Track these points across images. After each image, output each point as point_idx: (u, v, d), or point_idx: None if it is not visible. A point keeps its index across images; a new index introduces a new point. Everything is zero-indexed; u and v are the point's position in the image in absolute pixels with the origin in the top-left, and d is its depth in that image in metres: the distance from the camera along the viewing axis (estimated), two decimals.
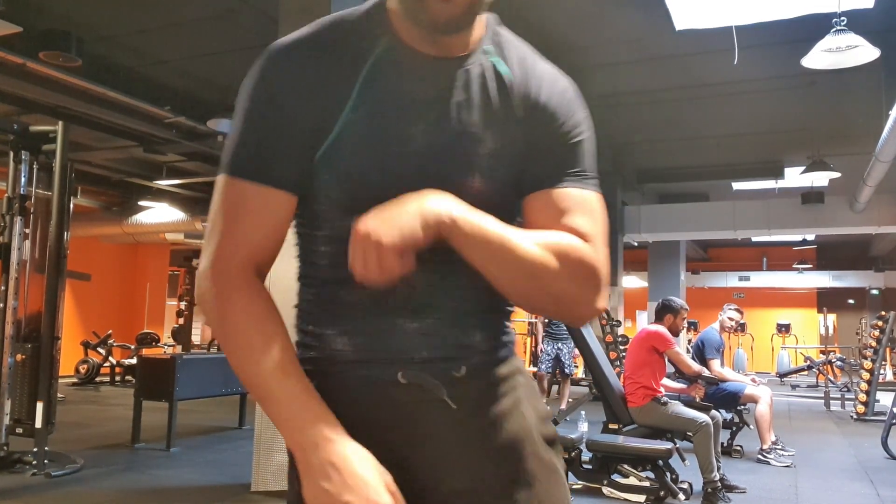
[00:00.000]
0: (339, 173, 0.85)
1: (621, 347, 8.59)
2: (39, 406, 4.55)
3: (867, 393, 8.31)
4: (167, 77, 7.30)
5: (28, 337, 4.74)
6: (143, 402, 5.58)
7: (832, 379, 11.12)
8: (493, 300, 0.90)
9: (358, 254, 0.77)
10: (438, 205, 0.79)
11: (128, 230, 12.99)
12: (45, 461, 4.52)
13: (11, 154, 4.75)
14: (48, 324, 4.66)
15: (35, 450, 4.52)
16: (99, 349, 10.74)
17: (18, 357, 4.70)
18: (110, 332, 10.81)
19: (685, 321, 4.97)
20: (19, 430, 4.65)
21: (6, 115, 8.30)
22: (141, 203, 12.25)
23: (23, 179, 4.70)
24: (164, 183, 11.17)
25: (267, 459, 4.24)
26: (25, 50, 5.49)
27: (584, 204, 0.88)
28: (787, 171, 10.36)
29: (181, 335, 11.97)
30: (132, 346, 10.80)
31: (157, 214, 12.18)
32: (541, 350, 8.67)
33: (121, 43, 6.42)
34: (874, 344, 8.40)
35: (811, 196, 10.85)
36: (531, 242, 0.81)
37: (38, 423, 4.54)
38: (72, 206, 4.96)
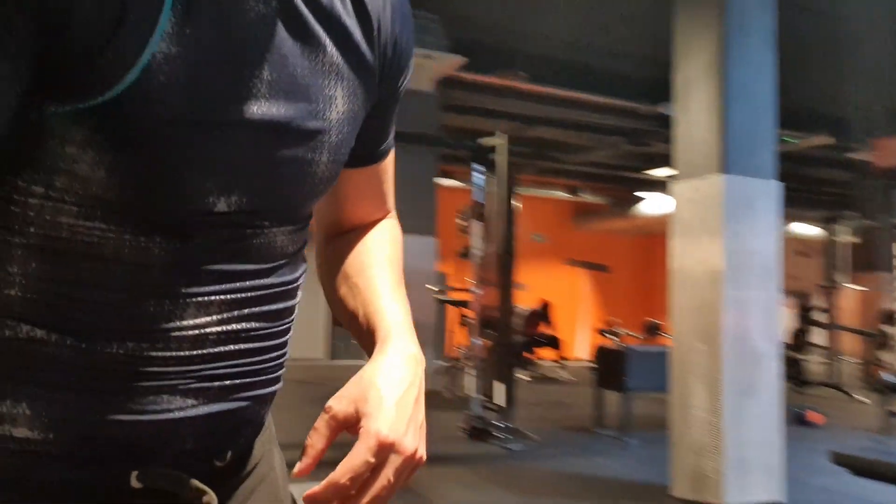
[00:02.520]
0: (121, 138, 0.53)
1: None
2: (500, 386, 5.19)
3: None
4: (614, 67, 7.44)
5: (490, 324, 5.46)
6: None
7: None
8: (279, 336, 0.68)
9: (366, 469, 0.56)
10: (421, 360, 0.66)
11: (634, 223, 13.63)
12: (507, 436, 5.13)
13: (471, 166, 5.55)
14: (503, 313, 5.27)
15: (497, 424, 5.18)
16: (610, 336, 11.54)
17: (483, 342, 5.45)
18: (618, 321, 11.51)
19: None
20: (489, 406, 5.39)
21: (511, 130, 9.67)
22: (637, 194, 12.73)
23: (477, 188, 5.44)
24: (656, 173, 11.40)
25: (681, 463, 3.96)
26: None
27: (390, 170, 0.81)
28: None
29: None
30: (638, 335, 11.28)
31: (658, 205, 12.49)
32: None
33: (556, 42, 6.81)
34: None
35: None
36: (396, 282, 0.74)
37: (500, 402, 5.19)
38: (514, 207, 5.46)
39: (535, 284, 13.35)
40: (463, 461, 4.70)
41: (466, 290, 5.97)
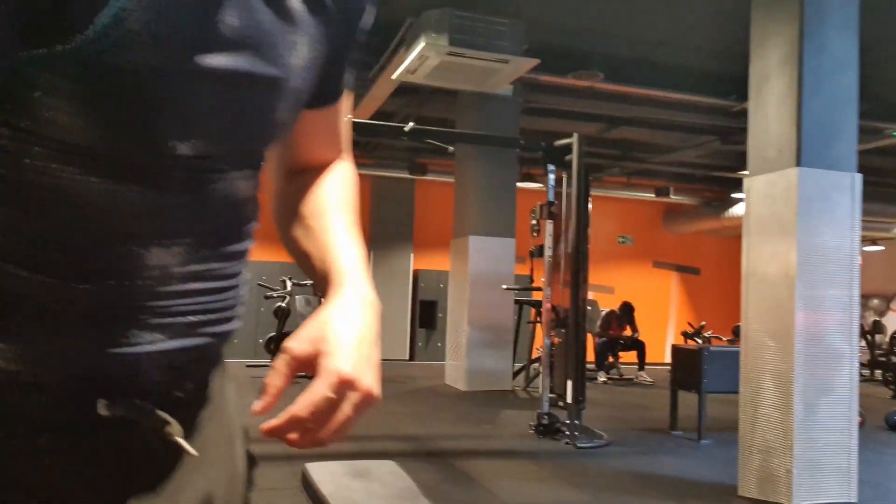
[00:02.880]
0: (87, 84, 0.54)
1: None
2: (569, 385, 5.21)
3: None
4: (703, 64, 7.27)
5: (562, 323, 5.48)
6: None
7: None
8: (235, 276, 0.71)
9: (326, 405, 0.59)
10: (376, 303, 0.68)
11: (727, 224, 13.18)
12: (576, 433, 5.14)
13: (544, 167, 5.60)
14: (574, 312, 5.29)
15: (567, 422, 5.20)
16: (695, 339, 11.23)
17: (554, 340, 5.48)
18: (703, 323, 11.18)
19: None
20: (560, 404, 5.41)
21: (597, 133, 9.62)
22: (734, 196, 12.30)
23: (549, 188, 5.48)
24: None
25: (749, 462, 3.87)
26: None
27: (346, 112, 0.81)
28: None
29: None
30: (725, 338, 10.92)
31: None
32: None
33: (637, 41, 6.74)
34: None
35: None
36: (351, 225, 0.78)
37: (569, 399, 5.21)
38: (590, 206, 5.46)
39: (623, 287, 13.17)
40: (530, 457, 4.76)
41: (541, 290, 6.01)
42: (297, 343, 0.62)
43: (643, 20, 6.12)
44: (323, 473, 2.00)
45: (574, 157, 5.34)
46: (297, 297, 8.70)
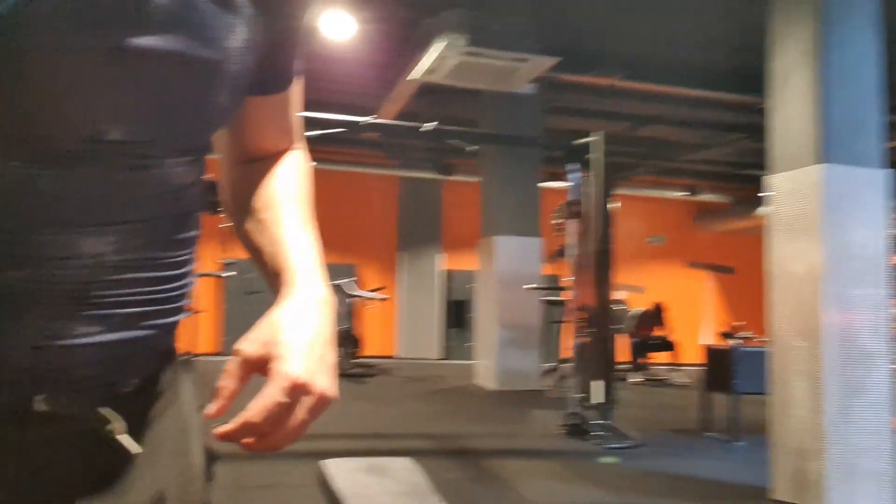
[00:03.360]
0: (1, 64, 0.52)
1: None
2: (598, 384, 5.16)
3: None
4: (731, 61, 7.15)
5: (590, 323, 5.43)
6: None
7: None
8: (181, 266, 0.68)
9: (278, 410, 0.58)
10: (330, 300, 0.67)
11: (760, 222, 12.95)
12: (605, 433, 5.09)
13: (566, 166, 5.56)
14: (600, 312, 5.24)
15: (596, 422, 5.15)
16: (733, 338, 11.04)
17: (584, 340, 5.44)
18: (743, 322, 10.99)
19: None
20: (589, 404, 5.37)
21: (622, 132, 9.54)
22: (765, 194, 12.09)
23: (572, 187, 5.44)
24: None
25: (781, 465, 3.79)
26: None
27: (296, 100, 0.78)
28: None
29: None
30: (763, 338, 10.72)
31: None
32: None
33: (655, 38, 6.65)
34: None
35: None
36: (304, 219, 0.74)
37: (598, 400, 5.16)
38: (616, 205, 5.40)
39: (654, 287, 13.00)
40: (558, 457, 4.73)
41: (566, 290, 5.97)
42: (249, 345, 0.60)
43: (663, 17, 6.05)
44: (338, 469, 2.01)
45: (596, 155, 5.29)
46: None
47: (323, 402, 0.60)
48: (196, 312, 4.73)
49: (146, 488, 0.65)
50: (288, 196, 0.75)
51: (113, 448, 0.61)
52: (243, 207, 0.76)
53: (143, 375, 0.67)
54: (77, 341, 0.59)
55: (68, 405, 0.59)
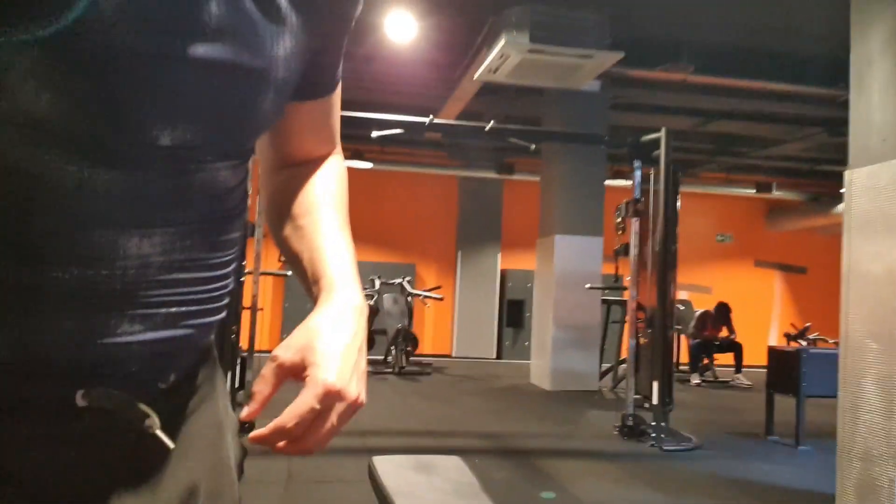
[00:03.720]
0: (65, 69, 0.54)
1: None
2: (655, 385, 5.06)
3: None
4: (807, 52, 6.89)
5: (649, 323, 5.33)
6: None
7: None
8: (223, 267, 0.70)
9: (312, 416, 0.60)
10: (364, 308, 0.69)
11: (835, 220, 12.43)
12: (662, 435, 4.99)
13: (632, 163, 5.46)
14: (660, 312, 5.14)
15: (653, 423, 5.06)
16: (800, 340, 10.66)
17: (642, 341, 5.34)
18: (808, 324, 10.59)
19: None
20: (645, 405, 5.27)
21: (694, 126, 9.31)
22: (843, 191, 11.59)
23: (636, 184, 5.34)
24: None
25: (848, 471, 3.64)
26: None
27: (336, 105, 0.81)
28: None
29: None
30: (832, 340, 10.30)
31: None
32: None
33: (728, 29, 6.46)
34: None
35: None
36: (341, 226, 0.77)
37: (655, 400, 5.06)
38: (678, 203, 5.28)
39: (721, 286, 12.65)
40: (612, 458, 4.66)
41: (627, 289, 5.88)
42: (285, 351, 0.63)
43: (735, 6, 5.87)
44: (388, 466, 2.03)
45: (661, 152, 5.18)
46: (384, 295, 8.88)
47: (354, 408, 0.63)
48: (258, 310, 4.85)
49: (180, 481, 0.68)
50: (326, 203, 0.77)
51: (149, 442, 0.63)
52: (282, 213, 0.78)
53: (183, 372, 0.69)
54: (121, 339, 0.60)
55: (108, 400, 0.61)
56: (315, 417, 0.60)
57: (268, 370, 0.62)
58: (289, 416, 0.60)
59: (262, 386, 0.61)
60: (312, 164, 0.81)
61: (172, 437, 0.64)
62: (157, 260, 0.61)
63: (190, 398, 0.72)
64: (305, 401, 0.60)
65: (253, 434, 0.61)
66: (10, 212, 0.56)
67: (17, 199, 0.56)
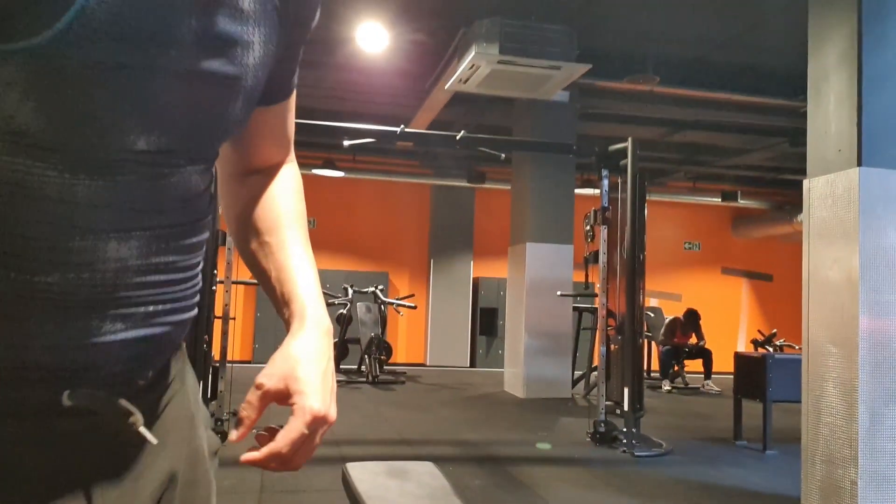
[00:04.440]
0: (49, 78, 0.56)
1: None
2: (626, 392, 5.13)
3: None
4: (769, 64, 7.07)
5: (619, 330, 5.41)
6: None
7: None
8: (193, 268, 0.73)
9: (302, 440, 0.68)
10: (331, 329, 0.77)
11: (799, 228, 12.71)
12: (633, 441, 5.06)
13: (599, 171, 5.55)
14: (630, 319, 5.21)
15: (624, 430, 5.12)
16: (766, 346, 10.86)
17: (613, 348, 5.42)
18: (775, 331, 10.81)
19: None
20: (617, 412, 5.34)
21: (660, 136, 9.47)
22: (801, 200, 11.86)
23: (604, 193, 5.43)
24: None
25: (812, 473, 3.73)
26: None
27: (292, 110, 0.85)
28: None
29: None
30: (798, 346, 10.51)
31: None
32: None
33: (695, 42, 6.62)
34: None
35: None
36: (305, 243, 0.83)
37: (626, 407, 5.13)
38: (645, 211, 5.38)
39: (690, 293, 12.85)
40: (584, 464, 4.71)
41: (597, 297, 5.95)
42: (269, 379, 0.69)
43: (699, 20, 6.02)
44: (361, 472, 2.06)
45: (629, 161, 5.28)
46: (358, 304, 8.86)
47: (330, 425, 0.71)
48: (230, 319, 4.83)
49: (159, 470, 0.71)
50: (290, 220, 0.82)
51: (129, 436, 0.66)
52: (246, 226, 0.83)
53: (158, 369, 0.73)
54: (103, 339, 0.63)
55: (93, 400, 0.63)
56: (304, 440, 0.68)
57: (253, 397, 0.69)
58: (283, 441, 0.67)
59: (248, 411, 0.68)
60: (270, 172, 0.85)
61: (149, 428, 0.66)
62: (134, 263, 0.64)
63: (164, 392, 0.75)
64: (296, 427, 0.68)
65: (246, 457, 0.67)
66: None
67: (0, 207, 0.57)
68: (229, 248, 4.91)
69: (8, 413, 0.61)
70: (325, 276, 9.16)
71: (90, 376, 0.63)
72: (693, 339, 9.43)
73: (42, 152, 0.57)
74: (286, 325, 0.76)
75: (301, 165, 0.95)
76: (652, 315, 10.09)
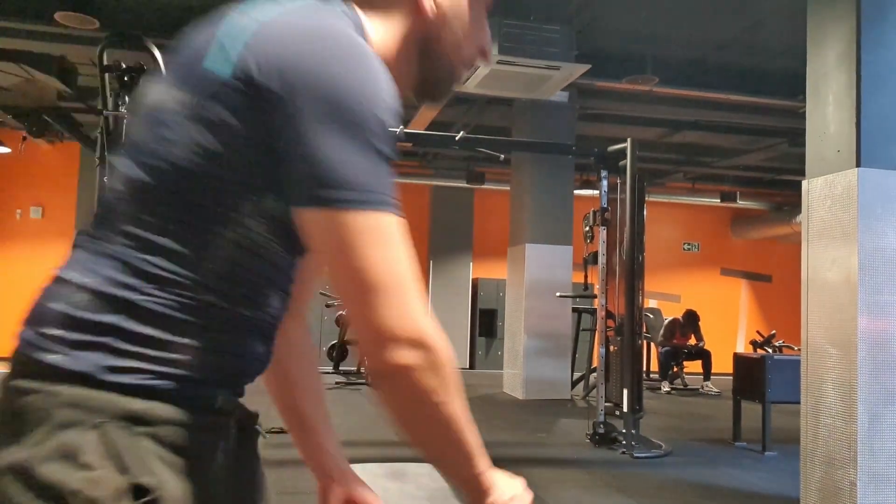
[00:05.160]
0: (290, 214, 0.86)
1: None
2: (625, 393, 5.13)
3: None
4: (751, 63, 7.06)
5: (618, 331, 5.40)
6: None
7: None
8: None
9: None
10: None
11: (798, 229, 12.70)
12: (633, 443, 5.05)
13: (598, 173, 5.55)
14: (629, 320, 5.21)
15: (623, 431, 5.12)
16: (765, 347, 10.85)
17: (612, 348, 5.41)
18: (774, 332, 10.80)
19: None
20: (616, 413, 5.34)
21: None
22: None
23: (603, 194, 5.43)
24: None
25: (811, 474, 3.73)
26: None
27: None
28: None
29: None
30: (797, 347, 10.50)
31: None
32: None
33: (691, 43, 6.61)
34: None
35: None
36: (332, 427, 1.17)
37: (626, 408, 5.13)
38: (644, 212, 5.37)
39: (689, 294, 12.84)
40: (583, 465, 4.71)
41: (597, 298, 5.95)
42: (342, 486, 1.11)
43: (698, 20, 6.02)
44: (360, 474, 2.05)
45: (628, 162, 5.27)
46: None
47: None
48: None
49: (256, 451, 0.97)
50: (323, 412, 1.12)
51: (250, 433, 0.90)
52: (285, 393, 1.09)
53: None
54: (264, 356, 0.89)
55: (235, 404, 0.84)
56: None
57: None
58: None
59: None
60: (301, 338, 1.10)
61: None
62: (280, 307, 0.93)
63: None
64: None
65: None
66: (254, 281, 0.83)
67: (259, 274, 0.83)
68: None
69: (228, 411, 0.83)
70: (325, 279, 9.14)
71: (246, 382, 0.88)
72: (692, 340, 9.43)
73: (280, 245, 0.84)
74: (318, 466, 1.10)
75: None
76: (651, 316, 10.09)
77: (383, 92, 0.74)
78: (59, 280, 0.78)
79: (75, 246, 0.81)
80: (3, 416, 0.74)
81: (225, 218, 0.77)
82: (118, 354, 0.74)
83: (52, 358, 0.73)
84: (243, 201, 0.77)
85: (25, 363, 0.75)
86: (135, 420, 0.73)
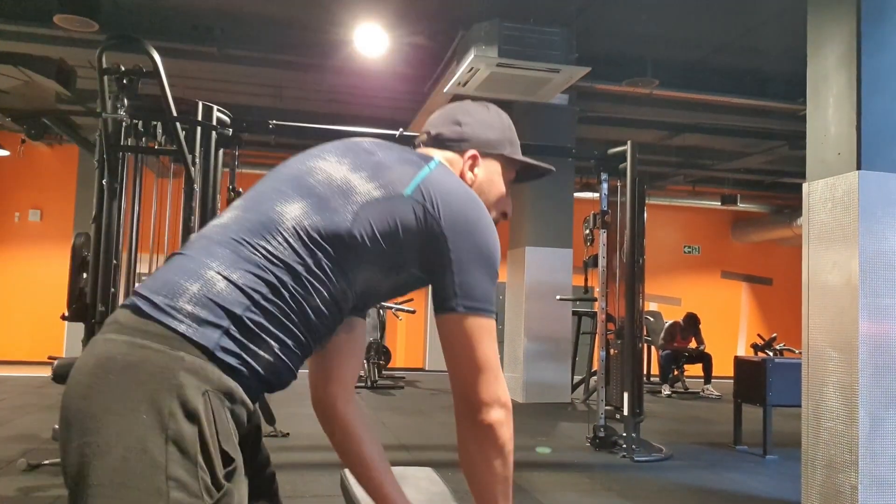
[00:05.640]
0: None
1: None
2: (626, 396, 5.11)
3: None
4: (752, 65, 7.06)
5: (618, 334, 5.39)
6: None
7: None
8: None
9: None
10: None
11: (799, 232, 12.70)
12: (633, 446, 5.03)
13: (598, 176, 5.53)
14: (629, 323, 5.19)
15: (624, 434, 5.10)
16: (766, 351, 10.83)
17: (612, 352, 5.39)
18: (774, 335, 10.78)
19: None
20: (616, 416, 5.31)
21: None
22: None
23: (603, 197, 5.41)
24: None
25: (812, 478, 3.71)
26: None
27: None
28: None
29: None
30: (798, 350, 10.48)
31: None
32: None
33: (692, 46, 6.60)
34: None
35: None
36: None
37: (626, 411, 5.11)
38: (645, 215, 5.35)
39: (690, 297, 12.83)
40: (583, 469, 4.69)
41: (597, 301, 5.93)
42: None
43: (698, 23, 6.01)
44: None
45: (628, 164, 5.26)
46: None
47: None
48: None
49: (265, 453, 1.26)
50: (390, 477, 1.45)
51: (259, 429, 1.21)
52: (353, 450, 1.45)
53: None
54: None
55: (263, 410, 1.10)
56: None
57: None
58: None
59: None
60: (358, 414, 1.47)
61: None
62: None
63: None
64: None
65: None
66: (328, 325, 1.11)
67: (332, 321, 1.12)
68: None
69: (251, 419, 1.07)
70: None
71: (280, 390, 1.11)
72: (693, 344, 9.40)
73: (349, 295, 1.14)
74: None
75: None
76: (651, 319, 10.07)
77: (496, 237, 1.15)
78: (200, 265, 1.00)
79: (216, 242, 1.03)
80: (111, 362, 0.92)
81: (340, 277, 1.06)
82: (231, 339, 0.96)
83: (181, 327, 0.94)
84: (358, 270, 1.08)
85: (144, 324, 0.95)
86: (228, 396, 0.96)
